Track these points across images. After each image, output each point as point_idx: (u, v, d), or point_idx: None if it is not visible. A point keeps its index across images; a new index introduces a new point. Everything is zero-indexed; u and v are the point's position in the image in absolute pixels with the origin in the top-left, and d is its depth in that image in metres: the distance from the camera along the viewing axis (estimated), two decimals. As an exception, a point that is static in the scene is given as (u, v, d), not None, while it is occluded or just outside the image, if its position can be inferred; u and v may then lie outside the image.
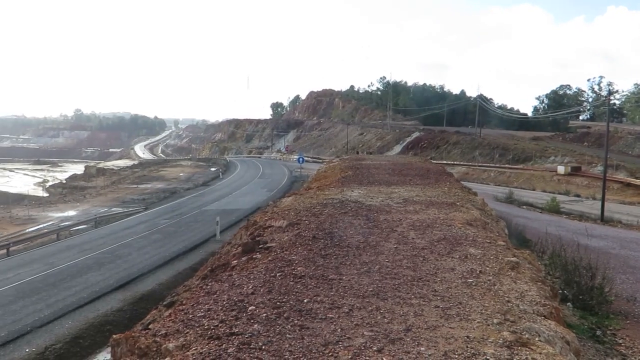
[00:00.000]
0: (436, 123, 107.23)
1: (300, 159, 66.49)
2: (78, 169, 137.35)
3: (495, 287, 7.95)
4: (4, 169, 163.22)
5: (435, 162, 44.17)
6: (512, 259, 9.80)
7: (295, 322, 5.97)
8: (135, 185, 63.14)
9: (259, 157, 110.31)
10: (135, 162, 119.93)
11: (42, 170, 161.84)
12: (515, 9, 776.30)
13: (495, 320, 6.52)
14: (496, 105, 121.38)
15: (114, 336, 5.97)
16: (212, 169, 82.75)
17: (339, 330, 5.89)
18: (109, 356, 15.59)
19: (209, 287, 7.60)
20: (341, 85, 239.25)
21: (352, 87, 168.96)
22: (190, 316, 6.23)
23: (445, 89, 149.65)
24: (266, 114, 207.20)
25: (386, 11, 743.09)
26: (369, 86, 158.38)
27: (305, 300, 6.72)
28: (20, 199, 68.40)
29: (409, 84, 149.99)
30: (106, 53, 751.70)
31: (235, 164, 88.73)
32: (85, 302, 19.73)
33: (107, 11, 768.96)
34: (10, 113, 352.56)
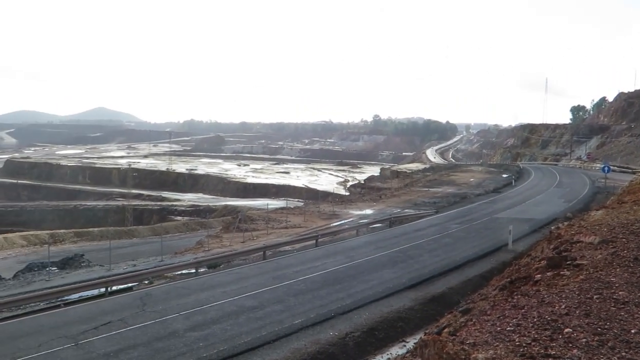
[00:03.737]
0: None
1: (605, 168, 59.77)
2: (374, 170, 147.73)
3: None
4: (313, 168, 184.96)
5: None
6: None
7: (623, 354, 5.22)
8: (427, 189, 64.78)
9: (555, 165, 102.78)
10: (427, 166, 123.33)
11: (343, 170, 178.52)
12: None
13: None
14: None
15: (422, 337, 6.07)
16: (504, 176, 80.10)
17: (681, 373, 4.97)
18: (401, 351, 16.22)
19: (515, 300, 7.24)
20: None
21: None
22: (499, 329, 5.98)
23: None
24: (565, 118, 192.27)
25: None
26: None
27: (632, 331, 5.85)
28: (325, 196, 76.68)
29: None
30: (400, 64, 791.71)
31: (528, 171, 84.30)
32: (381, 296, 20.80)
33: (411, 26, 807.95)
34: (321, 119, 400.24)
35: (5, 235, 57.91)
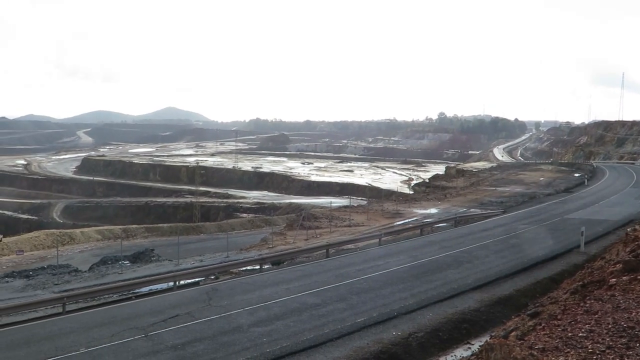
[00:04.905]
0: None
1: (688, 168, 56.45)
2: (439, 169, 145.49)
3: None
4: (377, 167, 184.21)
5: None
6: None
7: None
8: (493, 188, 63.23)
9: (632, 164, 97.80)
10: (494, 165, 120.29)
11: (408, 169, 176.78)
12: None
13: None
14: None
15: (488, 340, 5.90)
16: (576, 175, 77.16)
17: None
18: (466, 353, 15.88)
19: (587, 305, 6.90)
20: None
21: None
22: (570, 334, 5.71)
23: None
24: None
25: None
26: None
27: None
28: (389, 195, 76.10)
29: None
30: (468, 58, 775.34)
31: (602, 170, 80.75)
32: (445, 297, 20.43)
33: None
34: (385, 117, 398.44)
35: (82, 229, 60.95)
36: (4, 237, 52.28)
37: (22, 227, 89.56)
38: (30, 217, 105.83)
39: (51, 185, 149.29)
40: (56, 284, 27.16)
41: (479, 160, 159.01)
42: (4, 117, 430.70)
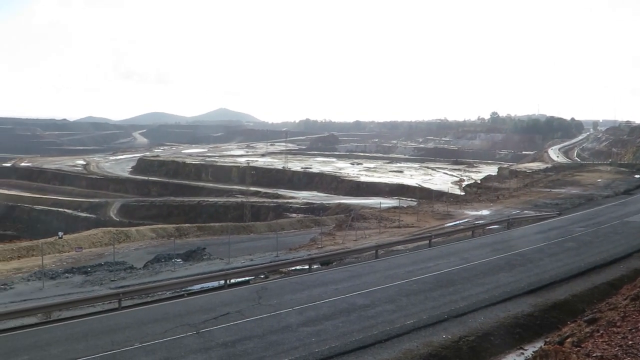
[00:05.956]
0: None
1: None
2: (491, 170, 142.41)
3: None
4: (428, 167, 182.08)
5: None
6: None
7: None
8: (548, 189, 61.55)
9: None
10: (549, 166, 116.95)
11: (459, 170, 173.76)
12: None
13: None
14: None
15: (543, 346, 5.72)
16: (636, 176, 74.13)
17: None
18: (519, 359, 15.49)
19: (649, 312, 6.60)
20: None
21: None
22: (630, 342, 5.46)
23: None
24: None
25: None
26: None
27: None
28: (440, 196, 75.15)
29: None
30: (523, 56, 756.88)
31: (666, 171, 77.36)
32: (497, 300, 19.99)
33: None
34: (435, 117, 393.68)
35: (137, 227, 62.68)
36: (64, 234, 54.30)
37: (81, 224, 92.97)
38: (88, 215, 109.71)
39: (108, 184, 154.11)
40: (112, 281, 28.08)
41: (533, 161, 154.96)
42: (64, 119, 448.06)
